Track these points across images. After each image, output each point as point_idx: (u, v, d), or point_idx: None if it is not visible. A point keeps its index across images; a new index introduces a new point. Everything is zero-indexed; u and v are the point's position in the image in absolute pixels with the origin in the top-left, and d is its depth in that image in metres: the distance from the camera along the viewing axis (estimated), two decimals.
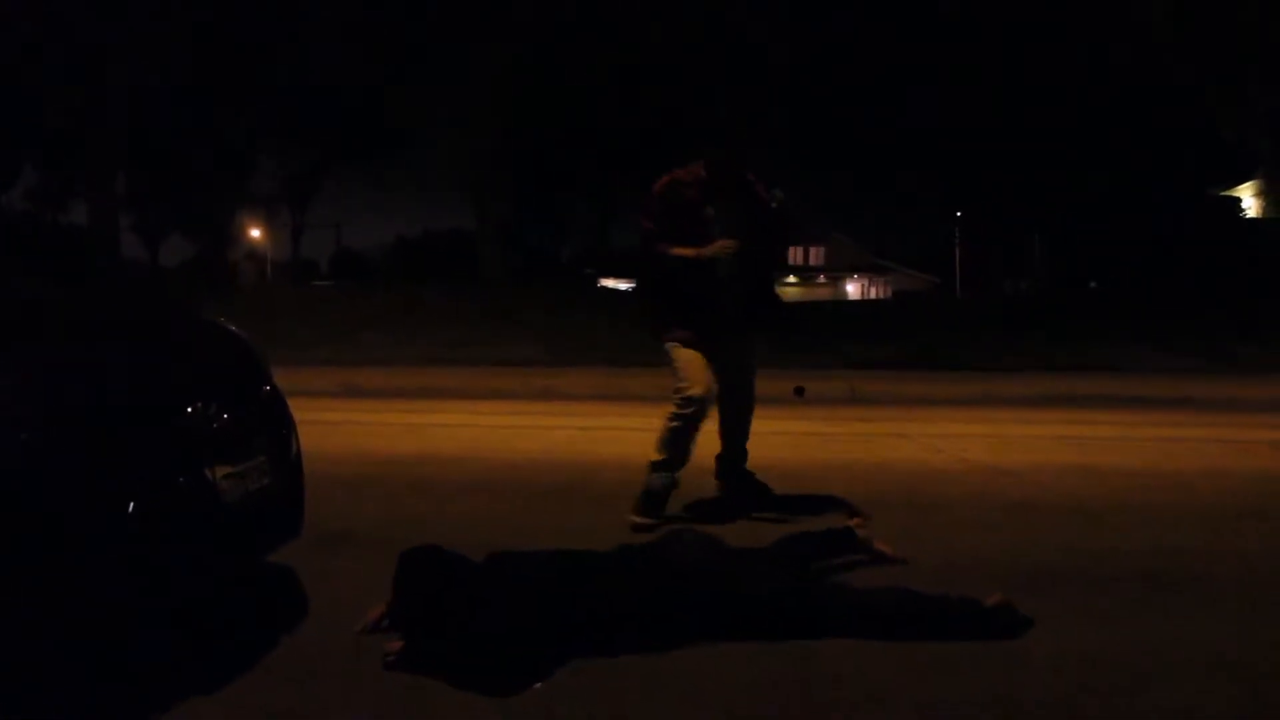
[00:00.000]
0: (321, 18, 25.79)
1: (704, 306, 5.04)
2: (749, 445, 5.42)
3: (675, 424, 5.00)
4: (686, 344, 5.04)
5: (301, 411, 3.99)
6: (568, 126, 29.97)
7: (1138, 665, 3.14)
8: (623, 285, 37.87)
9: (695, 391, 4.94)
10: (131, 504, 2.80)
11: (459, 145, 27.48)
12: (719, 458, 5.40)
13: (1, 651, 2.59)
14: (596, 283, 42.08)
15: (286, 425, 3.74)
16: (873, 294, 63.51)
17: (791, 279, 65.53)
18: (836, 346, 16.51)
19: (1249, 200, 30.96)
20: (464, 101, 26.64)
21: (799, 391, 11.60)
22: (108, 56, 25.59)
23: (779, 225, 5.22)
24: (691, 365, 5.01)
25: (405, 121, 29.34)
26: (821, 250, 68.72)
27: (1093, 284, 29.56)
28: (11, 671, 2.64)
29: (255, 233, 51.00)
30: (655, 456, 5.05)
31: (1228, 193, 31.31)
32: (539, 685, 2.95)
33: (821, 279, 67.30)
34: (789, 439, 8.21)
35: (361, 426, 8.94)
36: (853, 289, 66.50)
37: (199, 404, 3.16)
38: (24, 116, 29.53)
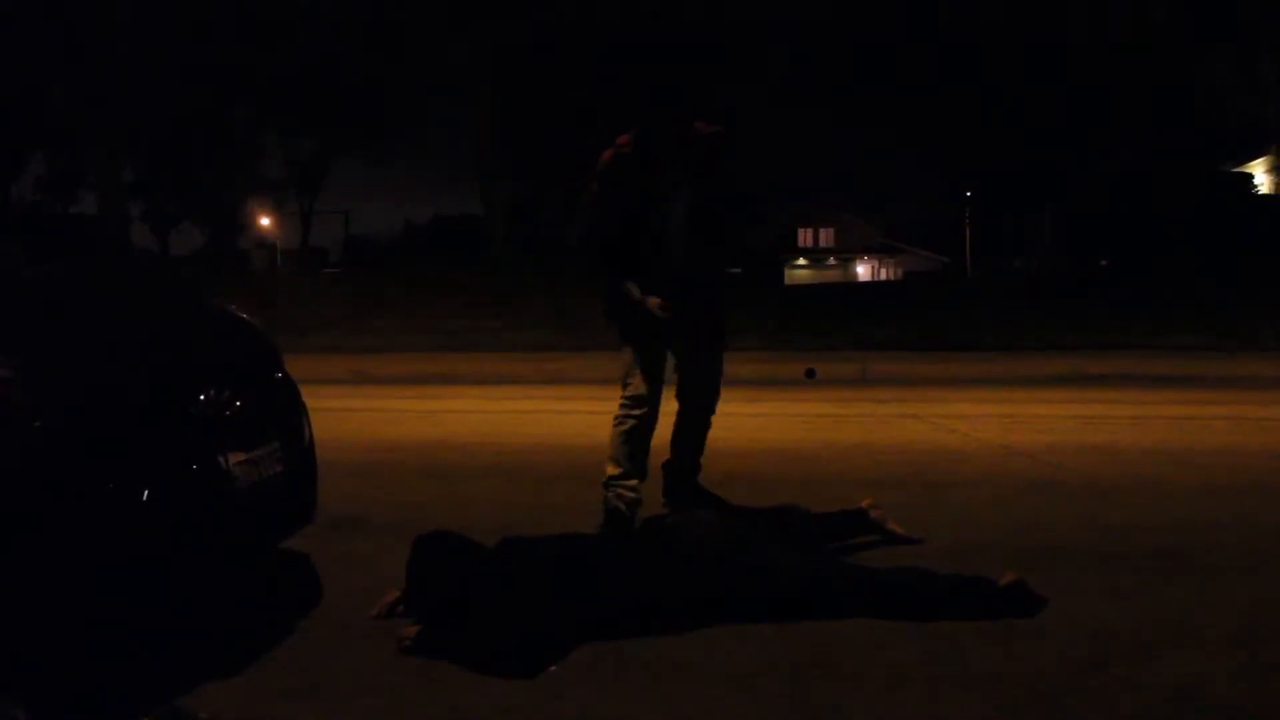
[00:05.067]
0: (322, 2, 25.78)
1: (657, 286, 4.46)
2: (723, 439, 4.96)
3: (624, 427, 4.50)
4: (641, 329, 4.50)
5: (313, 398, 4.00)
6: (570, 104, 29.86)
7: (1150, 639, 3.14)
8: None
9: (643, 390, 4.48)
10: (145, 491, 2.80)
11: (462, 128, 27.46)
12: (666, 467, 4.80)
13: (16, 640, 2.60)
14: None
15: (299, 411, 3.74)
16: (883, 275, 63.37)
17: (801, 261, 65.42)
18: (848, 328, 16.49)
19: (1261, 176, 30.82)
20: (465, 83, 26.59)
21: (810, 373, 11.60)
22: (111, 44, 25.59)
23: (737, 196, 4.69)
24: (643, 356, 4.53)
25: (408, 105, 29.30)
26: (831, 231, 68.55)
27: (1104, 262, 29.46)
28: (26, 660, 2.65)
29: (265, 221, 50.99)
30: (610, 470, 4.51)
31: (1240, 169, 31.17)
32: (553, 668, 2.95)
33: (832, 261, 67.18)
34: (801, 421, 8.22)
35: (373, 413, 8.96)
36: (863, 270, 66.36)
37: (211, 391, 3.16)
38: (30, 106, 29.57)
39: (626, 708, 2.73)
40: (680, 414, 4.75)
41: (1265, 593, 3.62)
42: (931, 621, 3.26)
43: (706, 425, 4.76)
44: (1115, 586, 3.67)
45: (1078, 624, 3.27)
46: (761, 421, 8.08)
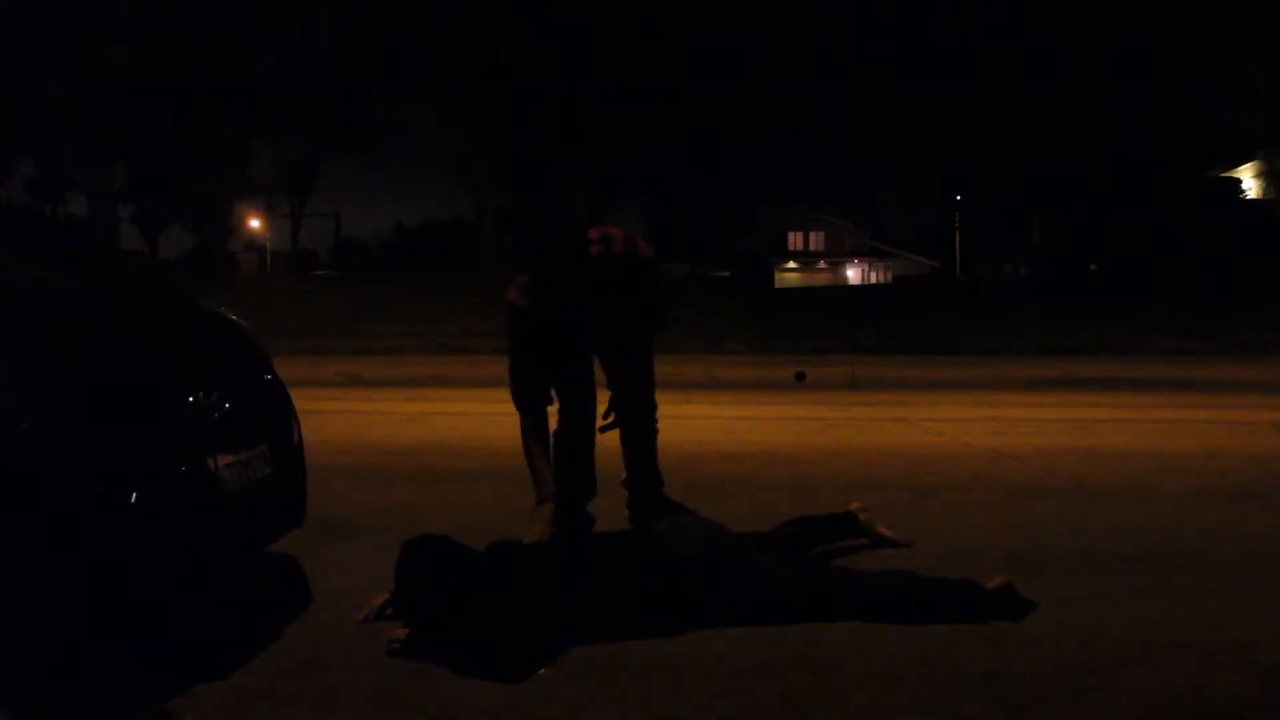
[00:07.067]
0: (314, 7, 25.77)
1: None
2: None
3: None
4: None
5: (303, 401, 3.99)
6: (561, 110, 29.84)
7: (1139, 644, 3.14)
8: None
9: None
10: (134, 494, 2.79)
11: (452, 132, 27.43)
12: (626, 484, 4.78)
13: (4, 645, 2.59)
14: None
15: (288, 414, 3.73)
16: (873, 279, 63.54)
17: (791, 265, 65.54)
18: (837, 331, 16.50)
19: (1249, 181, 30.98)
20: (455, 88, 26.59)
21: (800, 376, 11.59)
22: (105, 43, 25.53)
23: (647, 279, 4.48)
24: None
25: (398, 109, 29.30)
26: (821, 235, 68.70)
27: (1093, 266, 29.55)
28: (14, 664, 2.64)
29: (255, 223, 50.94)
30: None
31: (1228, 174, 31.31)
32: (543, 671, 2.95)
33: (822, 265, 67.29)
34: (790, 424, 8.21)
35: (362, 415, 8.93)
36: (853, 274, 66.49)
37: (200, 393, 3.15)
38: (20, 107, 29.48)
39: (617, 709, 2.73)
40: (621, 436, 4.69)
41: (1258, 596, 3.62)
42: (920, 625, 3.27)
43: (646, 444, 4.67)
44: (1106, 590, 3.67)
45: (1069, 627, 3.27)
46: (750, 424, 8.08)
